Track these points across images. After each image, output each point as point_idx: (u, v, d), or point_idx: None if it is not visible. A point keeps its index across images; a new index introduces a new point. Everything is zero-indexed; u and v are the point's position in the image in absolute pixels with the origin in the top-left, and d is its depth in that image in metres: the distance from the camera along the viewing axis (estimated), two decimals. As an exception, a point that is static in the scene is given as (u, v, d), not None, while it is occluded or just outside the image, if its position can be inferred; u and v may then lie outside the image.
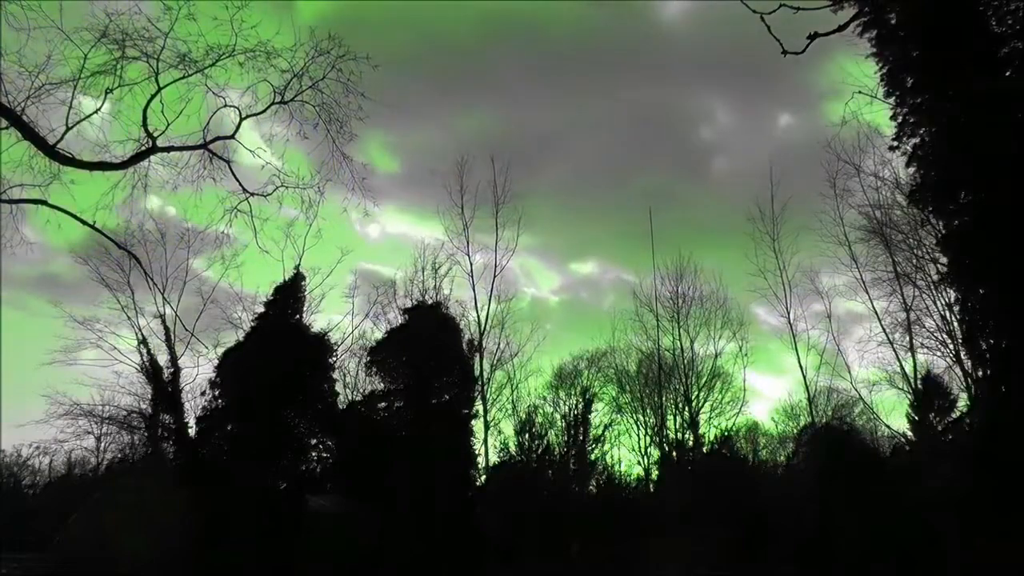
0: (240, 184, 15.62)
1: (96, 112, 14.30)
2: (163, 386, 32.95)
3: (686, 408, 37.83)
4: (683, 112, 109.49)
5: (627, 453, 39.80)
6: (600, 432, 38.89)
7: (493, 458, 36.66)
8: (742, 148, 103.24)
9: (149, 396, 33.26)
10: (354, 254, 69.95)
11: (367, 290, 38.01)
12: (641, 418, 39.22)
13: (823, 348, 36.45)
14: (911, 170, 21.94)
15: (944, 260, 26.12)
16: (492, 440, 36.61)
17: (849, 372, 35.55)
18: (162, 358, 33.25)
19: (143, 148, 14.57)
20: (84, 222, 14.08)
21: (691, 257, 50.95)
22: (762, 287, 38.17)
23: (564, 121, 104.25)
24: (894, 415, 55.66)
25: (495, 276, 37.80)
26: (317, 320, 35.53)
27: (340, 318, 37.36)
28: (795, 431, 38.40)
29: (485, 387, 36.77)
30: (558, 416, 38.38)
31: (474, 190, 38.90)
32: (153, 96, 14.51)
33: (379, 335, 36.32)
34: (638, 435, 39.24)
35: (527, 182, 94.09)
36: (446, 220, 38.77)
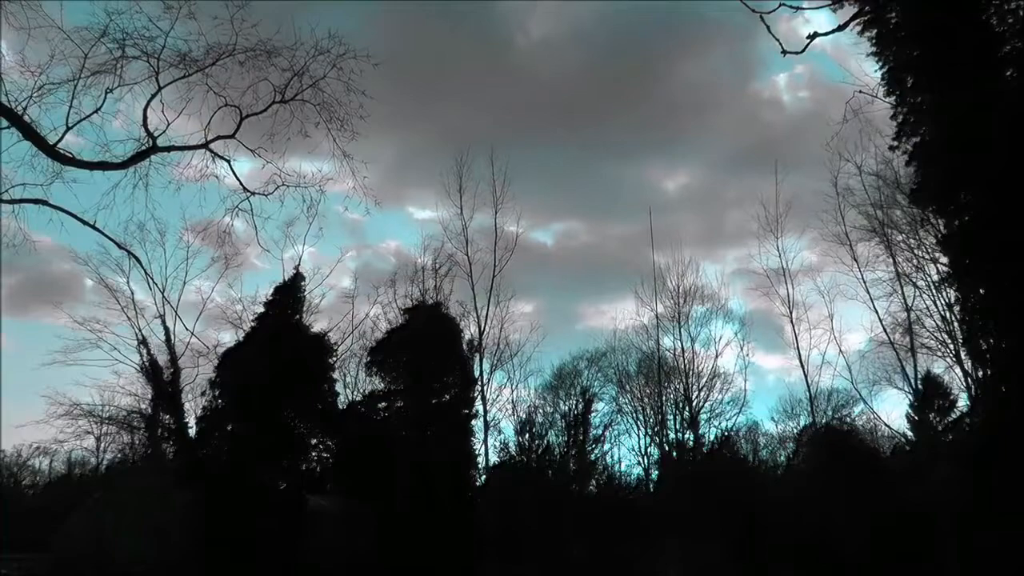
0: (241, 183, 15.66)
1: (96, 112, 14.30)
2: (163, 386, 32.96)
3: (686, 408, 37.85)
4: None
5: (627, 453, 39.83)
6: (600, 432, 38.91)
7: (493, 458, 36.73)
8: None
9: (149, 396, 33.29)
10: (354, 253, 69.72)
11: (367, 290, 37.96)
12: (641, 418, 39.25)
13: (824, 348, 36.58)
14: (911, 170, 21.97)
15: (944, 260, 26.17)
16: (492, 440, 36.68)
17: (849, 372, 35.65)
18: (162, 358, 33.30)
19: (143, 148, 14.58)
20: (84, 222, 14.12)
21: (691, 257, 51.13)
22: (763, 286, 38.31)
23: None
24: (894, 415, 55.73)
25: (495, 276, 37.88)
26: (317, 320, 35.55)
27: (340, 318, 37.24)
28: (795, 431, 38.39)
29: (485, 387, 36.84)
30: (558, 416, 38.38)
31: (473, 190, 39.01)
32: (153, 96, 14.54)
33: (379, 335, 36.36)
34: (638, 435, 39.27)
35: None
36: (445, 219, 38.84)
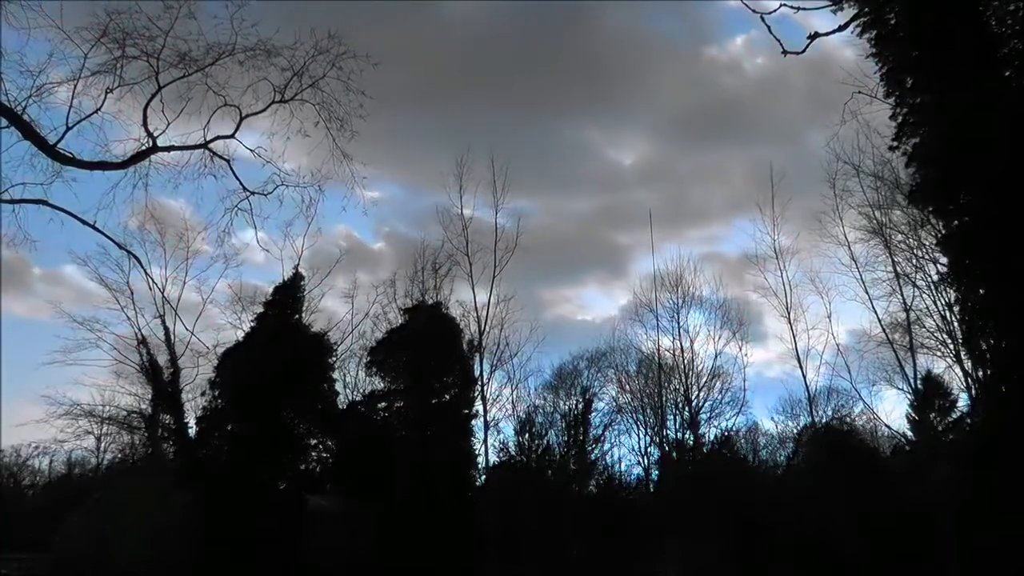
0: (240, 183, 15.71)
1: (96, 112, 14.32)
2: (163, 386, 32.96)
3: (686, 408, 37.84)
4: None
5: (627, 453, 39.82)
6: (600, 432, 38.91)
7: (493, 458, 36.75)
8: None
9: (149, 396, 33.28)
10: (354, 253, 69.50)
11: (367, 290, 37.96)
12: (641, 418, 39.25)
13: (823, 348, 36.54)
14: (911, 170, 21.96)
15: (944, 260, 26.16)
16: (492, 440, 36.69)
17: (849, 372, 35.63)
18: (162, 358, 33.29)
19: (143, 148, 14.63)
20: (84, 222, 14.15)
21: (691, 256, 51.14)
22: (762, 287, 38.28)
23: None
24: (894, 415, 55.74)
25: (495, 276, 37.87)
26: (317, 320, 35.57)
27: (340, 318, 37.27)
28: (795, 431, 38.39)
29: (485, 387, 36.86)
30: (558, 416, 38.38)
31: (474, 190, 39.03)
32: (153, 96, 14.57)
33: (379, 335, 36.37)
34: (638, 435, 39.27)
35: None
36: (445, 220, 38.84)
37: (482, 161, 40.63)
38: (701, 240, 76.50)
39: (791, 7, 13.93)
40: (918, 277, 33.41)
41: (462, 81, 76.60)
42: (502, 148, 73.67)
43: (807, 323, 37.27)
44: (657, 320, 39.07)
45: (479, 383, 36.23)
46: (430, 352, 34.57)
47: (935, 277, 30.69)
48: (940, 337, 32.99)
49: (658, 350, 38.64)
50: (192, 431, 33.00)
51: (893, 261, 33.80)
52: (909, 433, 34.40)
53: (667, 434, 38.26)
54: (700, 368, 38.47)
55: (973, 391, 29.89)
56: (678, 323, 39.03)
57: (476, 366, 36.37)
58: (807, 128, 72.69)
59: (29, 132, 13.02)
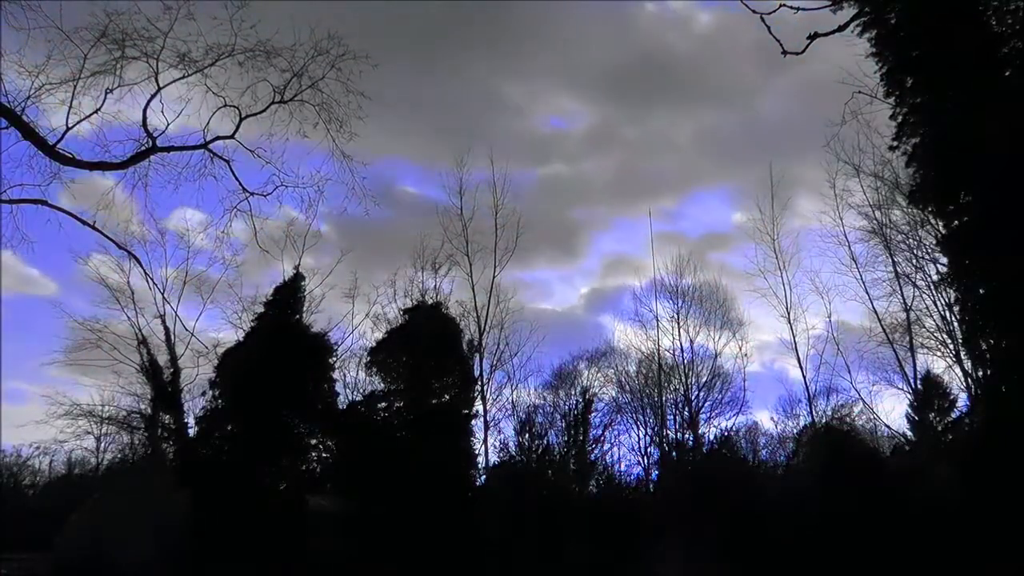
0: (240, 184, 15.71)
1: (96, 112, 14.32)
2: (163, 386, 32.96)
3: (686, 408, 37.84)
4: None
5: (627, 453, 39.82)
6: (600, 432, 38.92)
7: (493, 458, 36.74)
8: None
9: (149, 396, 33.28)
10: (353, 253, 69.21)
11: (367, 290, 37.95)
12: (641, 418, 39.24)
13: (823, 348, 36.54)
14: (911, 170, 21.97)
15: (944, 260, 26.18)
16: (492, 440, 36.69)
17: (849, 372, 35.63)
18: (162, 358, 33.30)
19: (143, 148, 14.62)
20: (84, 222, 14.17)
21: (691, 256, 51.02)
22: (762, 287, 38.27)
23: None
24: (894, 415, 55.65)
25: (495, 276, 37.92)
26: (317, 320, 35.56)
27: (340, 318, 37.27)
28: (795, 431, 38.38)
29: (485, 387, 36.84)
30: (558, 416, 38.39)
31: (473, 190, 39.05)
32: (153, 96, 14.58)
33: (379, 335, 36.37)
34: (638, 435, 39.26)
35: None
36: (445, 220, 38.84)
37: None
38: (658, 217, 72.74)
39: (791, 7, 13.91)
40: (918, 277, 33.47)
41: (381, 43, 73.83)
42: (429, 114, 68.60)
43: (807, 323, 37.33)
44: (657, 321, 39.13)
45: (479, 383, 36.28)
46: (430, 352, 34.56)
47: (935, 277, 30.72)
48: (940, 337, 33.05)
49: (658, 350, 38.71)
50: (192, 431, 33.02)
51: (893, 261, 33.87)
52: (909, 433, 34.42)
53: (667, 434, 38.31)
54: (700, 368, 38.51)
55: (973, 391, 29.91)
56: (677, 321, 39.05)
57: (476, 366, 36.47)
58: (758, 91, 69.33)
59: (29, 132, 13.02)
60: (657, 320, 39.09)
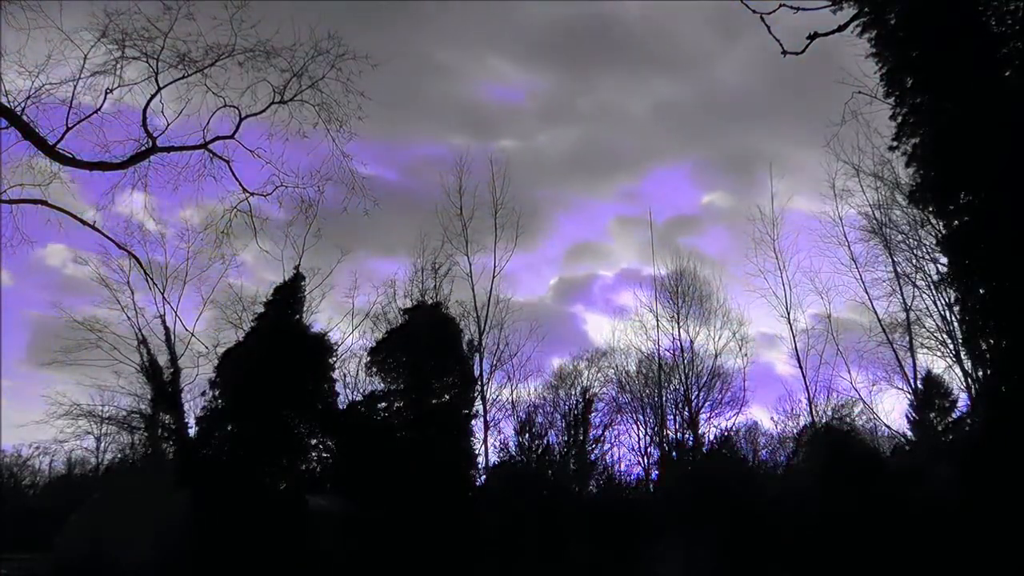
0: (240, 184, 15.74)
1: (96, 112, 14.32)
2: (163, 386, 32.98)
3: (686, 408, 37.83)
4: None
5: (627, 453, 39.81)
6: (600, 432, 38.90)
7: (493, 458, 36.74)
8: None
9: (149, 396, 33.31)
10: (353, 254, 69.24)
11: (367, 290, 38.01)
12: (641, 418, 39.23)
13: (823, 347, 36.52)
14: (911, 170, 21.95)
15: (944, 260, 26.17)
16: (492, 440, 36.70)
17: (849, 372, 35.63)
18: (162, 358, 33.33)
19: (143, 148, 14.62)
20: (84, 222, 14.19)
21: (690, 256, 51.22)
22: (762, 287, 38.27)
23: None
24: (894, 415, 55.70)
25: (495, 276, 37.97)
26: (317, 320, 35.60)
27: (340, 318, 37.31)
28: (795, 431, 38.37)
29: (485, 387, 36.84)
30: (558, 416, 38.37)
31: (473, 190, 39.08)
32: (153, 96, 14.59)
33: (379, 335, 36.37)
34: (638, 435, 39.25)
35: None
36: (445, 220, 38.87)
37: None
38: (619, 197, 67.79)
39: (791, 7, 13.93)
40: (918, 277, 33.48)
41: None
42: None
43: (807, 323, 37.35)
44: (657, 321, 39.11)
45: (479, 383, 36.27)
46: (430, 352, 34.58)
47: (935, 277, 30.74)
48: (940, 337, 33.05)
49: (658, 350, 38.71)
50: (192, 431, 33.03)
51: (893, 261, 33.87)
52: (909, 433, 34.41)
53: (667, 434, 38.30)
54: (700, 368, 38.48)
55: (973, 391, 29.92)
56: (677, 321, 39.02)
57: (476, 366, 36.47)
58: (714, 57, 64.74)
59: (29, 132, 13.02)
60: (657, 320, 39.14)
